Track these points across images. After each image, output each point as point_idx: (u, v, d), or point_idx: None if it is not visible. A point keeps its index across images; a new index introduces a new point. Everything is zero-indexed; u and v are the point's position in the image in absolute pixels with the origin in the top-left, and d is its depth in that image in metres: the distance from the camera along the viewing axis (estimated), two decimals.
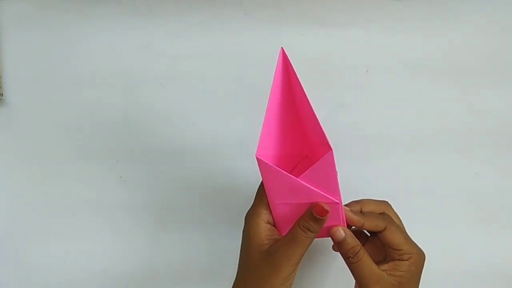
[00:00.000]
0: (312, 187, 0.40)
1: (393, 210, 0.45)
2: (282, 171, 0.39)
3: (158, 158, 0.55)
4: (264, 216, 0.42)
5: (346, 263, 0.42)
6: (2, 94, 0.55)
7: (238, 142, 0.54)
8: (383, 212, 0.44)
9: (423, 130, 0.54)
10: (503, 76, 0.54)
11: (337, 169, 0.39)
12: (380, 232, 0.42)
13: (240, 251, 0.43)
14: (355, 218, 0.42)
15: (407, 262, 0.41)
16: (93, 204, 0.55)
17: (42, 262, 0.55)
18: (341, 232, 0.41)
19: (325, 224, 0.41)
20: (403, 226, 0.44)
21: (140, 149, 0.55)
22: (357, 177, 0.53)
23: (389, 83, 0.54)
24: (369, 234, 0.45)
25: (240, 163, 0.55)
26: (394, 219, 0.44)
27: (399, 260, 0.42)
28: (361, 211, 0.44)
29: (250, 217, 0.42)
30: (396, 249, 0.42)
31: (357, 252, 0.40)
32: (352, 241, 0.41)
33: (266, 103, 0.54)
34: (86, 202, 0.55)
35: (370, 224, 0.42)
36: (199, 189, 0.55)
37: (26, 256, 0.55)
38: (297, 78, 0.42)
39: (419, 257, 0.42)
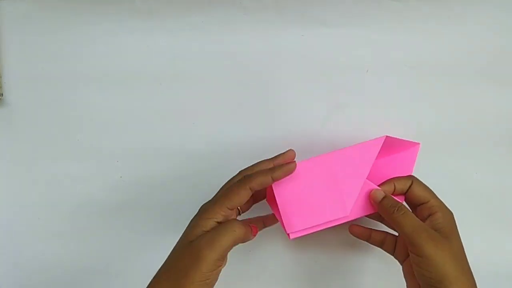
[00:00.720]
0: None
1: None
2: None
3: (158, 158, 0.55)
4: (217, 216, 0.41)
5: (390, 220, 0.42)
6: (2, 94, 0.55)
7: (238, 142, 0.54)
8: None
9: (423, 130, 0.54)
10: (503, 76, 0.54)
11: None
12: (409, 189, 0.44)
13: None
14: (387, 188, 0.45)
15: (439, 213, 0.42)
16: (93, 204, 0.55)
17: (42, 262, 0.55)
18: (381, 192, 0.44)
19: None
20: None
21: (140, 149, 0.55)
22: None
23: (389, 83, 0.54)
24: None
25: (240, 163, 0.55)
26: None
27: (431, 214, 0.43)
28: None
29: (203, 213, 0.41)
30: (425, 202, 0.43)
31: (400, 206, 0.42)
32: (392, 198, 0.43)
33: (265, 102, 0.55)
34: (86, 202, 0.55)
35: (399, 185, 0.44)
36: (199, 189, 0.55)
37: (26, 256, 0.55)
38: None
39: (448, 211, 0.43)
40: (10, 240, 0.56)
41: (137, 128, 0.55)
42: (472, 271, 0.42)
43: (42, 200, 0.55)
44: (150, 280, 0.41)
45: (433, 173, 0.54)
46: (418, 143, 0.50)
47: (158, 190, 0.55)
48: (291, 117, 0.54)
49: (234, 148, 0.54)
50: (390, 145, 0.48)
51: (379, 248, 0.48)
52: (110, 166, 0.55)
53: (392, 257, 0.47)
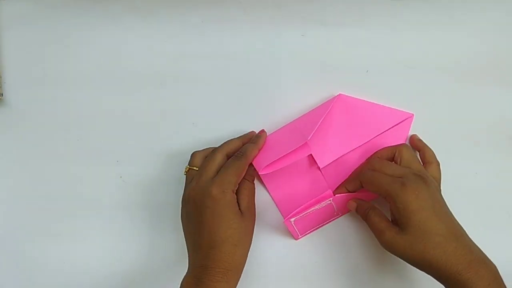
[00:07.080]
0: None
1: (409, 151, 0.49)
2: None
3: (158, 158, 0.55)
4: (234, 189, 0.48)
5: (366, 221, 0.48)
6: (2, 94, 0.55)
7: None
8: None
9: (423, 130, 0.54)
10: (503, 76, 0.54)
11: None
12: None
13: None
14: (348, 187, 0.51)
15: (394, 204, 0.44)
16: (93, 204, 0.55)
17: (42, 262, 0.55)
18: (352, 203, 0.49)
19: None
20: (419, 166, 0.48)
21: (140, 149, 0.55)
22: None
23: (389, 83, 0.54)
24: None
25: None
26: (405, 159, 0.49)
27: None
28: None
29: (220, 186, 0.47)
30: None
31: (367, 213, 0.47)
32: (362, 206, 0.48)
33: (265, 102, 0.55)
34: (86, 202, 0.55)
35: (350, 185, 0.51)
36: None
37: (26, 256, 0.55)
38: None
39: (404, 193, 0.44)
40: (10, 239, 0.56)
41: (137, 128, 0.55)
42: None
43: (42, 200, 0.55)
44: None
45: None
46: (412, 114, 0.52)
47: (158, 190, 0.55)
48: (291, 117, 0.54)
49: None
50: (381, 116, 0.51)
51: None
52: (110, 166, 0.55)
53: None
